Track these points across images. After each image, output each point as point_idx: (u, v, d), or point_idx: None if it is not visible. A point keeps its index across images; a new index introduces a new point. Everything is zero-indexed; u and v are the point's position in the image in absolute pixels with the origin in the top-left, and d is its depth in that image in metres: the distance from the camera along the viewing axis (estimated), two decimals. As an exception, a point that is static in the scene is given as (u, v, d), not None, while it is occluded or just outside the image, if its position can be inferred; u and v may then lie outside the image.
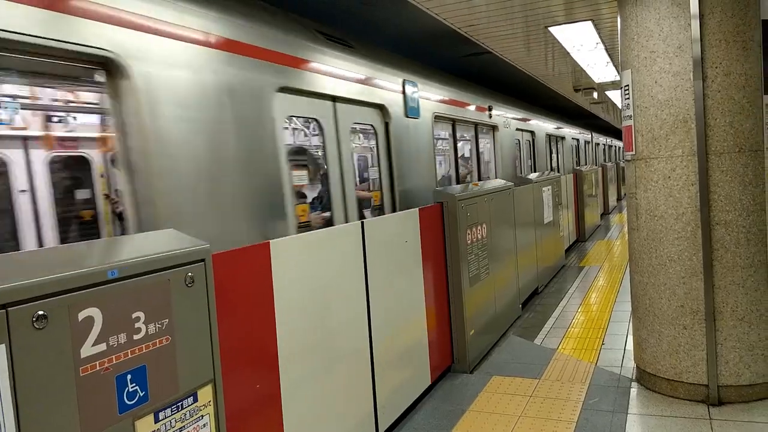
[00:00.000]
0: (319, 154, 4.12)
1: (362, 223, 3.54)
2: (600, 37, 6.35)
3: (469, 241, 4.88)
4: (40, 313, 1.52)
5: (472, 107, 7.02)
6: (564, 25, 5.79)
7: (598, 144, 19.26)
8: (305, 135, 4.46)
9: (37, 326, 1.52)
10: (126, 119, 2.36)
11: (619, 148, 25.54)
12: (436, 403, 4.20)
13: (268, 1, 3.87)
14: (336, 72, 4.04)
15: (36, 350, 1.52)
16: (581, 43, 6.63)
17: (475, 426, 3.79)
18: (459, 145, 7.20)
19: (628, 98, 4.07)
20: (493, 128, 7.88)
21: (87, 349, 1.63)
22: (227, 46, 2.97)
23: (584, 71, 8.79)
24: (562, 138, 12.62)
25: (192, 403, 1.96)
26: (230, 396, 2.30)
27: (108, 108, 2.41)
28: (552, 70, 8.75)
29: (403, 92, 5.07)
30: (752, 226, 3.73)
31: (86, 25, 2.18)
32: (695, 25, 3.68)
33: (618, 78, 9.38)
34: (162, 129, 2.50)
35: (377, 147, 4.72)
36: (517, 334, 5.74)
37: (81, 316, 1.62)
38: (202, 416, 2.01)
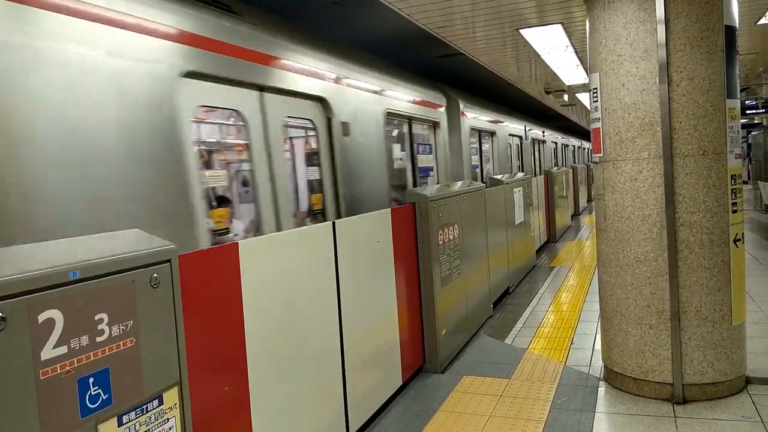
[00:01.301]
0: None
1: (333, 223, 3.53)
2: (570, 40, 6.44)
3: (441, 242, 4.90)
4: (-2, 315, 1.48)
5: (540, 131, 14.36)
6: (535, 28, 5.85)
7: (582, 147, 25.18)
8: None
9: (-6, 328, 1.48)
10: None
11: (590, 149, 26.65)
12: (407, 404, 4.20)
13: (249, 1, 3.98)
14: (513, 125, 11.14)
15: None
16: (552, 45, 6.71)
17: (445, 426, 3.81)
18: (536, 152, 13.96)
19: (597, 101, 4.13)
20: (544, 143, 14.92)
21: (48, 352, 1.60)
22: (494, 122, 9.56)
23: (555, 74, 8.90)
24: (566, 145, 20.18)
25: (157, 406, 1.93)
26: (197, 398, 2.27)
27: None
28: (523, 72, 8.83)
29: (525, 129, 12.10)
30: (715, 228, 3.82)
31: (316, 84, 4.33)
32: (661, 29, 3.75)
33: (588, 81, 9.52)
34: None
35: (518, 151, 11.71)
36: (488, 334, 5.79)
37: (41, 317, 1.58)
38: (168, 419, 1.98)
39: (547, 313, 6.43)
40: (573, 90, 11.11)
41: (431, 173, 6.91)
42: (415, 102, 6.25)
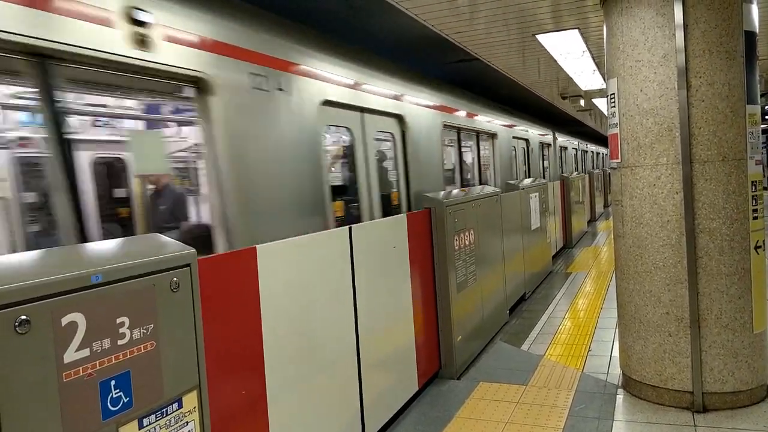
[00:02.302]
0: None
1: (350, 228, 3.54)
2: (587, 45, 6.41)
3: (456, 247, 4.89)
4: (23, 317, 1.51)
5: (585, 144, 19.48)
6: (551, 33, 5.84)
7: (599, 153, 27.56)
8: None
9: (19, 331, 1.50)
10: None
11: (606, 155, 27.77)
12: (423, 409, 4.19)
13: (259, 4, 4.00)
14: (574, 141, 17.13)
15: (18, 355, 1.50)
16: (568, 51, 6.69)
17: (461, 432, 3.80)
18: (583, 158, 19.18)
19: (614, 106, 4.11)
20: (586, 152, 19.30)
21: (70, 355, 1.62)
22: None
23: (571, 79, 8.86)
24: (598, 153, 24.61)
25: (177, 409, 1.95)
26: (216, 401, 2.28)
27: None
28: (539, 77, 8.81)
29: (578, 144, 18.03)
30: (735, 234, 3.77)
31: (524, 134, 10.84)
32: (679, 35, 3.73)
33: (604, 86, 9.46)
34: None
35: (574, 158, 17.34)
36: (504, 340, 5.76)
37: (64, 321, 1.61)
38: (187, 422, 1.99)
39: (564, 320, 6.39)
40: (589, 95, 11.06)
41: (547, 170, 12.69)
42: (545, 136, 12.31)
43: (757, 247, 3.84)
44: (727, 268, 3.79)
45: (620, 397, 4.19)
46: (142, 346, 1.82)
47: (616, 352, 5.03)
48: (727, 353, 3.81)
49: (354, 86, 4.37)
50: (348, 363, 3.46)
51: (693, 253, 3.81)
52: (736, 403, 3.84)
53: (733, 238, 3.78)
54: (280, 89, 3.43)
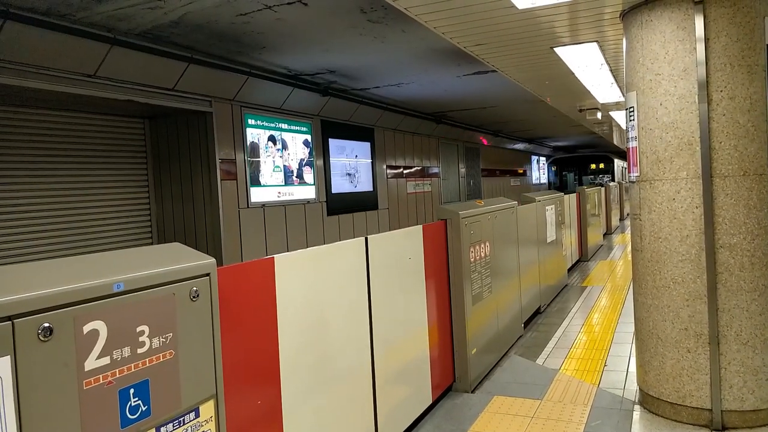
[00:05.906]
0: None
1: (366, 239, 3.54)
2: (605, 58, 6.39)
3: (472, 259, 4.88)
4: (46, 325, 1.52)
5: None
6: (569, 46, 5.83)
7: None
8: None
9: (42, 338, 1.52)
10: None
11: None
12: (437, 422, 4.17)
13: None
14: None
15: (41, 362, 1.52)
16: (586, 63, 6.67)
17: (476, 446, 3.76)
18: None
19: (633, 120, 4.09)
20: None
21: (91, 362, 1.63)
22: None
23: (589, 91, 8.83)
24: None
25: (194, 419, 1.95)
26: (231, 411, 2.29)
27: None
28: (556, 89, 8.79)
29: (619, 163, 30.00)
30: (757, 250, 3.72)
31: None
32: (700, 48, 3.70)
33: (622, 99, 9.44)
34: None
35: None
36: (519, 354, 5.71)
37: (86, 328, 1.62)
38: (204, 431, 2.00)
39: (579, 334, 6.33)
40: (607, 108, 11.01)
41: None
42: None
43: (778, 264, 3.78)
44: (747, 284, 3.74)
45: (637, 413, 4.14)
46: (161, 354, 1.83)
47: (632, 368, 4.97)
48: (747, 371, 3.75)
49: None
50: (363, 374, 3.45)
51: (713, 269, 3.76)
52: (756, 421, 3.77)
53: (754, 253, 3.73)
54: None
